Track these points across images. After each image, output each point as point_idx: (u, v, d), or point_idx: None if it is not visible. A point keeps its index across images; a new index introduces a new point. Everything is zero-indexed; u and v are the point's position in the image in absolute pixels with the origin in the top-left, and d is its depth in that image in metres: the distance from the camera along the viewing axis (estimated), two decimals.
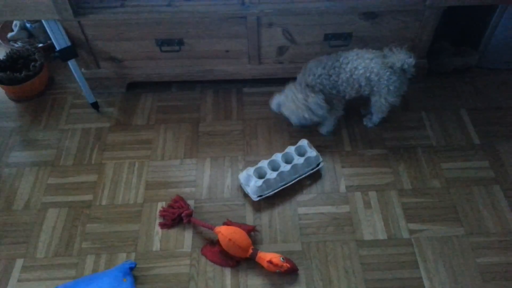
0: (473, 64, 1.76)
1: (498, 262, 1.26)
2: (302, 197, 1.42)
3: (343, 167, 1.49)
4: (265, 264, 1.23)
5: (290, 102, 1.42)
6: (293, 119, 1.45)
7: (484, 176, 1.45)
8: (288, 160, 1.44)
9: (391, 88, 1.37)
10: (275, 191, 1.40)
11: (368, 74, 1.36)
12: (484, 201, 1.39)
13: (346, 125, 1.61)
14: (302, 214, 1.38)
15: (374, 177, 1.46)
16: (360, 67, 1.36)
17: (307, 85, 1.40)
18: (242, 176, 1.42)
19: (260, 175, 1.41)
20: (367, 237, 1.32)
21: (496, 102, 1.68)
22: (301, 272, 1.26)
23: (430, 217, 1.36)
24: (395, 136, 1.57)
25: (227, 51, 1.63)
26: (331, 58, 1.41)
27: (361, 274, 1.25)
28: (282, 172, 1.39)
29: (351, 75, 1.37)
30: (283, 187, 1.41)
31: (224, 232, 1.26)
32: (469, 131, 1.58)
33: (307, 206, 1.40)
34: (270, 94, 1.71)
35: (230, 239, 1.25)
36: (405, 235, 1.32)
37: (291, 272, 1.25)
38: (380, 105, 1.45)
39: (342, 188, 1.43)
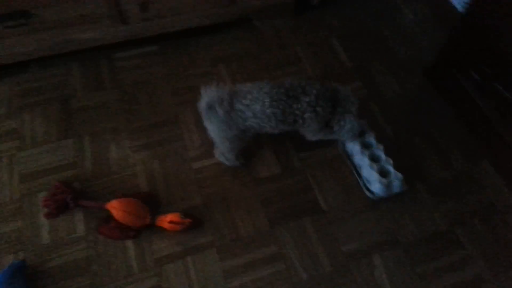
0: None
1: None
2: (194, 152, 1.39)
3: None
4: (166, 226, 1.20)
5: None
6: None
7: (361, 95, 1.55)
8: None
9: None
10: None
11: None
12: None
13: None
14: (197, 169, 1.35)
15: None
16: None
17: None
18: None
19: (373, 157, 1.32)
20: (264, 174, 1.35)
21: (364, 26, 1.78)
22: (206, 223, 1.25)
23: (315, 144, 1.41)
24: (276, 74, 1.59)
25: (82, 15, 1.47)
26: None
27: (263, 209, 1.28)
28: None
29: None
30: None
31: (117, 206, 1.19)
32: (342, 57, 1.67)
33: (201, 160, 1.37)
34: (145, 55, 1.62)
35: (124, 211, 1.18)
36: (297, 164, 1.38)
37: (195, 226, 1.24)
38: None
39: None
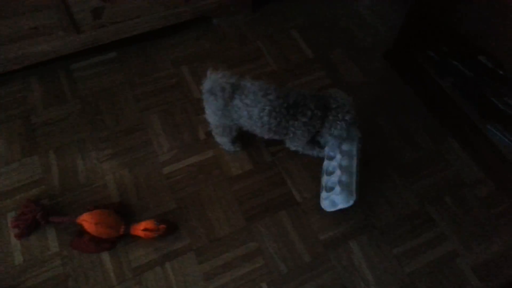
0: None
1: None
2: (163, 156, 1.37)
3: (198, 114, 1.47)
4: (141, 234, 1.19)
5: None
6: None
7: (323, 85, 1.57)
8: None
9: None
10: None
11: None
12: None
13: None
14: (168, 173, 1.34)
15: None
16: None
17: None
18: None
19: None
20: (236, 172, 1.35)
21: (321, 15, 1.79)
22: (182, 227, 1.25)
23: None
24: (239, 71, 1.59)
25: (34, 28, 1.42)
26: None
27: (238, 207, 1.28)
28: None
29: None
30: None
31: (89, 219, 1.17)
32: (303, 48, 1.67)
33: (171, 164, 1.36)
34: (104, 63, 1.59)
35: (97, 223, 1.16)
36: (268, 158, 1.38)
37: (171, 232, 1.23)
38: None
39: (202, 135, 1.42)
